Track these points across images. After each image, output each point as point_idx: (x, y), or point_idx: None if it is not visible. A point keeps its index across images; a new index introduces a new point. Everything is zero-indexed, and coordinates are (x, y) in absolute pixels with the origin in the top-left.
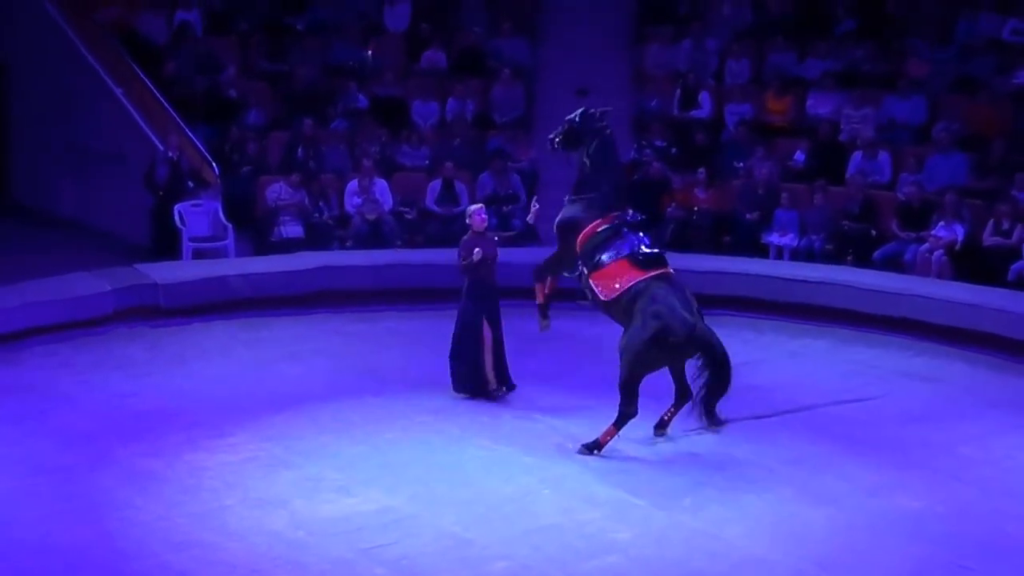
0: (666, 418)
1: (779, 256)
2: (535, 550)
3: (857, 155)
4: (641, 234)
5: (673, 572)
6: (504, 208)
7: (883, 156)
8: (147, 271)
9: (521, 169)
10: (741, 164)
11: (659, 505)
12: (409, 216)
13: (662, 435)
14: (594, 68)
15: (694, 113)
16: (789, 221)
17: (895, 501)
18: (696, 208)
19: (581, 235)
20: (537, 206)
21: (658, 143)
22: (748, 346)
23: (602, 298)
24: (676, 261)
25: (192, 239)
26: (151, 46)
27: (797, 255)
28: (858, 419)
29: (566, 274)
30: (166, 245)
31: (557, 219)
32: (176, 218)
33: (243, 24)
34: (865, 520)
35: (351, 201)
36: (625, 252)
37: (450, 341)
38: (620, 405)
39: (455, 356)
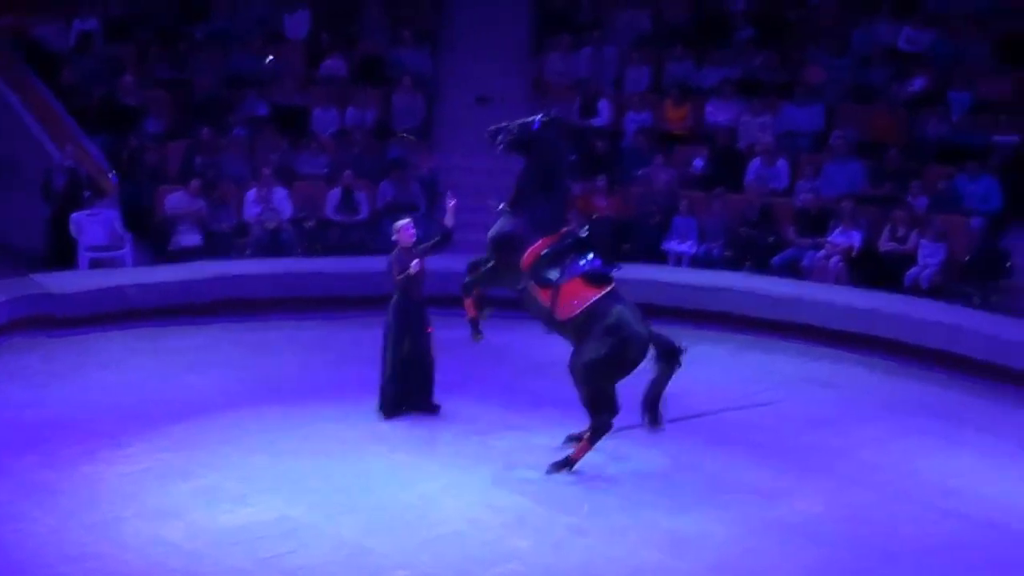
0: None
1: (678, 263)
2: (435, 558)
3: (755, 162)
4: (589, 252)
5: None
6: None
7: (781, 163)
8: (43, 281)
9: (421, 178)
10: (640, 172)
11: (559, 512)
12: (308, 225)
13: (571, 446)
14: (495, 77)
15: (594, 121)
16: (688, 228)
17: (794, 506)
18: (596, 215)
19: (529, 252)
20: (454, 200)
21: None
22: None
23: (559, 317)
24: None
25: (89, 248)
26: (48, 54)
27: (696, 262)
28: (757, 424)
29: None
30: (63, 255)
31: (494, 232)
32: (73, 227)
33: (142, 32)
34: (763, 525)
35: (250, 210)
36: (577, 270)
37: (381, 362)
38: (592, 422)
39: (395, 379)
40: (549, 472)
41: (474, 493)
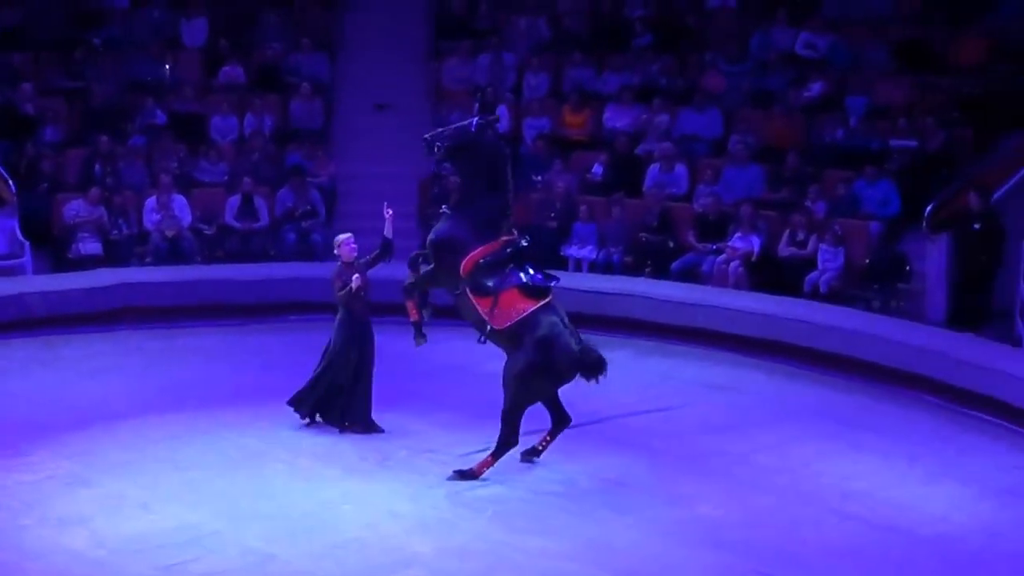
0: (540, 447)
1: (578, 268)
2: (338, 564)
3: (654, 168)
4: (527, 262)
5: None
6: (303, 224)
7: (680, 169)
8: None
9: (320, 184)
10: (539, 177)
11: (461, 518)
12: (208, 232)
13: (530, 461)
14: (393, 83)
15: None
16: (588, 233)
17: (695, 510)
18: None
19: (468, 259)
20: (391, 211)
21: None
22: None
23: (494, 326)
24: None
25: None
26: None
27: (596, 267)
28: (658, 429)
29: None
30: None
31: (435, 234)
32: None
33: (38, 40)
34: (665, 529)
35: (150, 217)
36: (515, 280)
37: (316, 373)
38: (501, 434)
39: (339, 391)
40: (451, 479)
41: (376, 499)
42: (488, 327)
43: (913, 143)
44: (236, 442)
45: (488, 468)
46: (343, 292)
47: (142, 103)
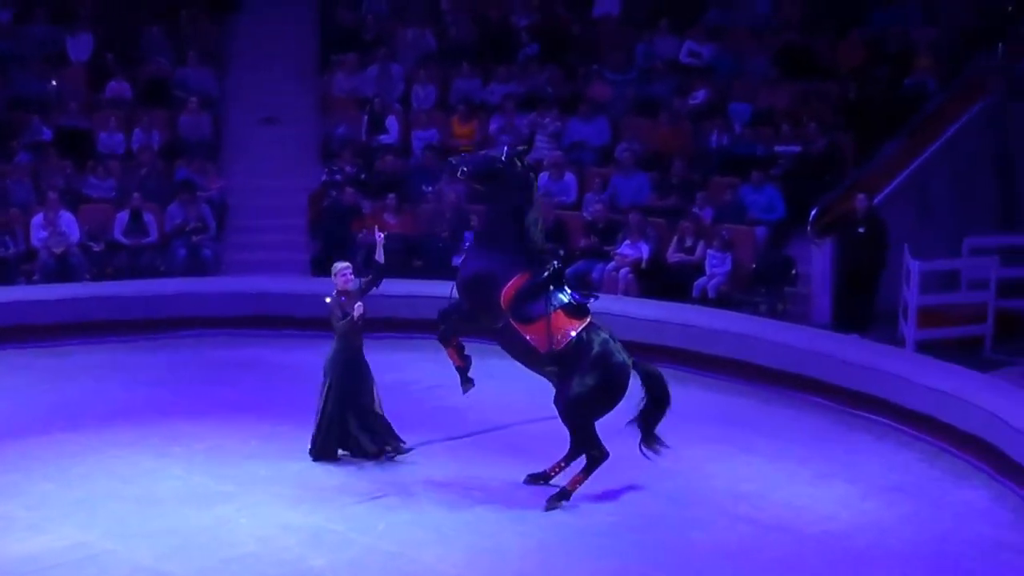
0: (552, 472)
1: None
2: None
3: (543, 176)
4: (564, 284)
5: None
6: (193, 239)
7: (568, 177)
8: None
9: (210, 199)
10: (429, 188)
11: (355, 530)
12: (96, 249)
13: (538, 484)
14: (281, 96)
15: (382, 138)
16: None
17: (589, 516)
18: (386, 233)
19: (506, 290)
20: (382, 235)
21: (347, 169)
22: (441, 369)
23: (541, 351)
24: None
25: None
26: None
27: None
28: (552, 436)
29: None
30: None
31: (467, 270)
32: None
33: None
34: (560, 536)
35: (37, 235)
36: (559, 302)
37: (321, 414)
38: (586, 453)
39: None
40: (548, 508)
41: (269, 513)
42: (538, 354)
43: (797, 148)
44: (128, 459)
45: (580, 485)
46: (345, 322)
47: (27, 120)
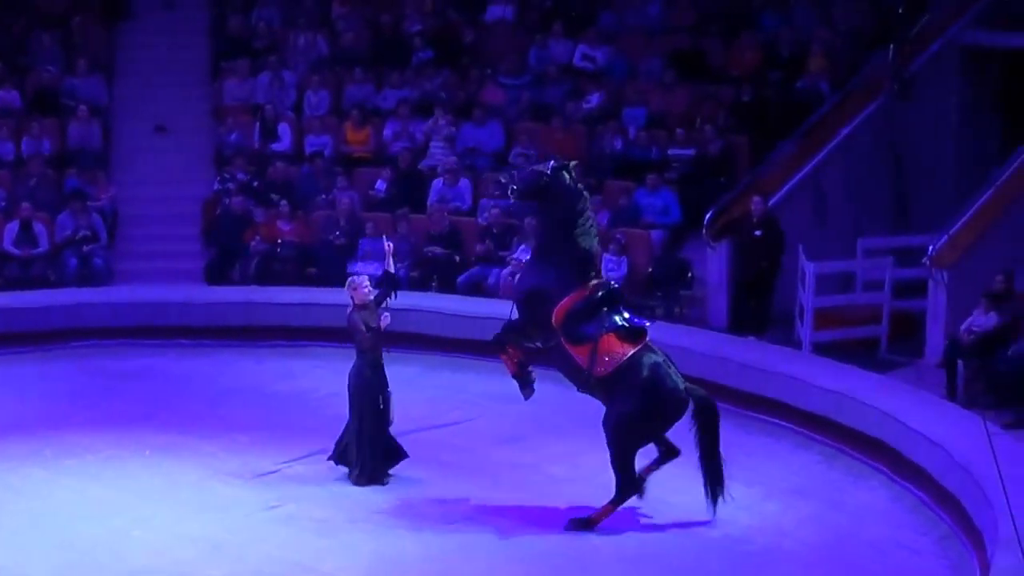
0: (643, 474)
1: None
2: None
3: (438, 182)
4: (619, 304)
5: None
6: (84, 248)
7: (463, 183)
8: None
9: (101, 208)
10: (323, 195)
11: (254, 540)
12: None
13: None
14: (173, 104)
15: (274, 146)
16: (374, 250)
17: (488, 522)
18: (280, 241)
19: (559, 308)
20: (390, 244)
21: (240, 176)
22: (338, 376)
23: (594, 374)
24: (262, 295)
25: None
26: None
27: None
28: (449, 443)
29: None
30: None
31: (522, 285)
32: None
33: None
34: (459, 543)
35: None
36: (612, 325)
37: (357, 434)
38: (617, 484)
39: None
40: (569, 528)
41: (166, 525)
42: (587, 376)
43: (691, 152)
44: (20, 472)
45: (607, 516)
46: (371, 333)
47: None
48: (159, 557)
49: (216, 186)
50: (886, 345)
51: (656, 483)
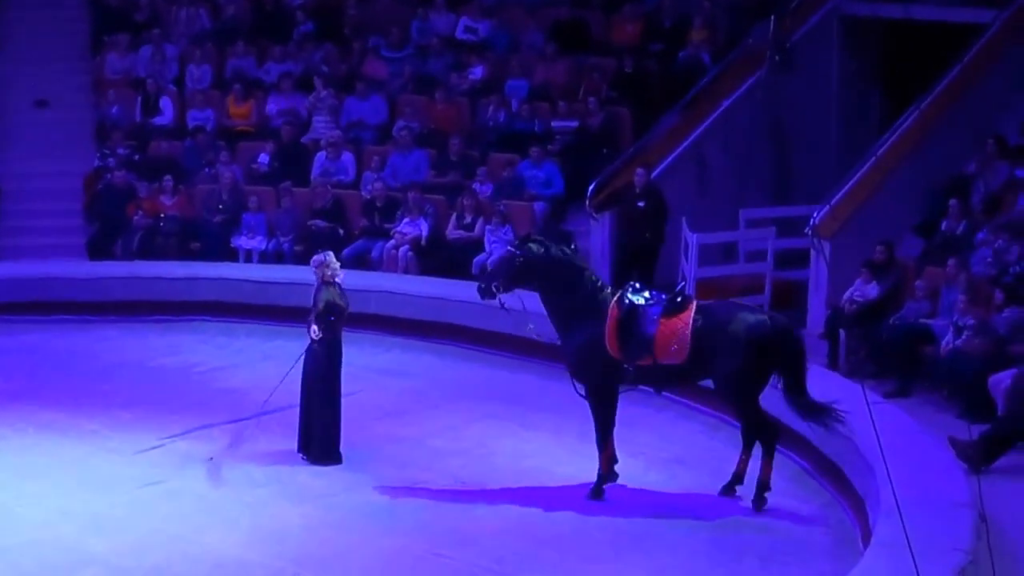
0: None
1: (248, 259)
2: (12, 567)
3: (321, 156)
4: (647, 293)
5: None
6: None
7: (346, 156)
8: None
9: None
10: (206, 169)
11: (137, 514)
12: None
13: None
14: (53, 79)
15: (156, 120)
16: (257, 224)
17: (370, 496)
18: (163, 215)
19: (608, 341)
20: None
21: (121, 151)
22: (223, 351)
23: (679, 361)
24: (145, 270)
25: None
26: None
27: (266, 257)
28: None
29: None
30: None
31: (574, 363)
32: None
33: None
34: (341, 516)
35: None
36: (656, 313)
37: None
38: (761, 438)
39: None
40: (721, 493)
41: (49, 501)
42: (680, 370)
43: (574, 123)
44: None
45: (771, 471)
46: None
47: None
48: (42, 531)
49: (97, 161)
50: None
51: (535, 454)
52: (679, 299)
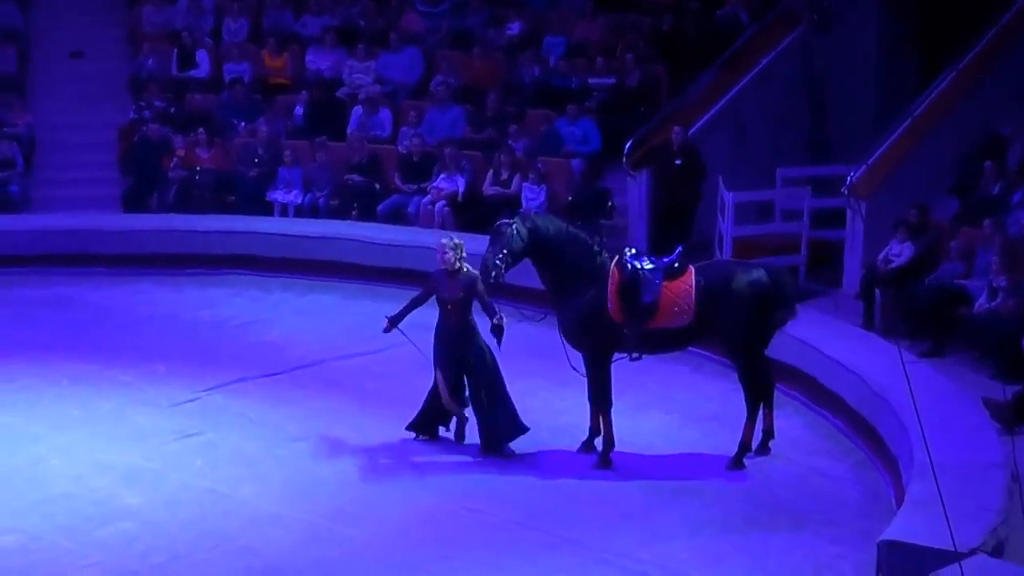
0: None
1: (284, 213)
2: (45, 520)
3: (357, 110)
4: (645, 258)
5: (187, 533)
6: (0, 175)
7: (383, 111)
8: None
9: (18, 135)
10: (242, 123)
11: (170, 468)
12: None
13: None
14: (89, 30)
15: (192, 73)
16: (293, 178)
17: (404, 452)
18: (199, 168)
19: (612, 309)
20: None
21: (157, 103)
22: (257, 305)
23: (686, 322)
24: (180, 223)
25: None
26: None
27: (302, 211)
28: (368, 371)
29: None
30: None
31: (569, 328)
32: None
33: None
34: (374, 472)
35: None
36: (659, 278)
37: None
38: (766, 391)
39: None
40: (730, 468)
41: (83, 453)
42: (690, 329)
43: (611, 80)
44: None
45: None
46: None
47: None
48: (76, 484)
49: (133, 114)
50: (804, 274)
51: (570, 411)
52: (681, 262)
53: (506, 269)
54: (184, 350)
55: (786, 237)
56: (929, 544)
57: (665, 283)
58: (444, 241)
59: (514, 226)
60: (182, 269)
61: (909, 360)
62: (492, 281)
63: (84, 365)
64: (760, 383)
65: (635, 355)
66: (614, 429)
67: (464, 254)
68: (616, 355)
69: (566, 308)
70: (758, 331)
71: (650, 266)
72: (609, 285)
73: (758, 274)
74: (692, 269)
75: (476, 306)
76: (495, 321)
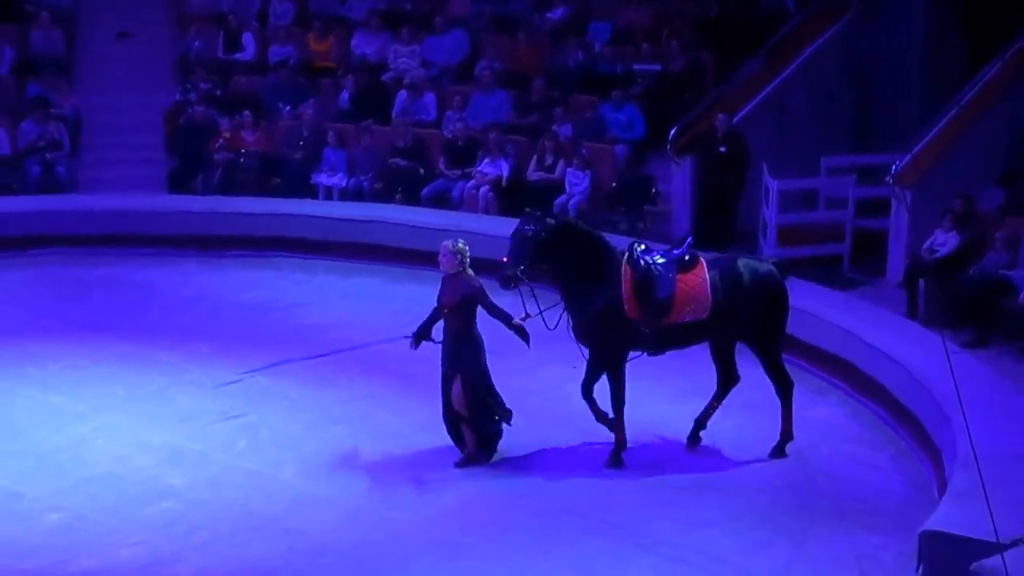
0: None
1: (328, 196)
2: (89, 499)
3: (402, 94)
4: (655, 253)
5: (230, 514)
6: (47, 156)
7: (428, 95)
8: None
9: (64, 116)
10: (287, 106)
11: (214, 449)
12: None
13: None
14: (136, 11)
15: (238, 55)
16: (337, 161)
17: (445, 437)
18: (244, 151)
19: (628, 306)
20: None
21: (203, 85)
22: (301, 287)
23: (702, 317)
24: (225, 205)
25: None
26: None
27: (346, 195)
28: (410, 355)
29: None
30: None
31: (586, 325)
32: None
33: None
34: (418, 456)
35: None
36: (671, 272)
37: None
38: (784, 386)
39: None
40: (773, 456)
41: (127, 433)
42: (706, 324)
43: (657, 67)
44: None
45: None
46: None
47: None
48: (120, 464)
49: (179, 95)
50: (848, 263)
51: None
52: (691, 256)
53: (524, 276)
54: (228, 332)
55: (830, 226)
56: (971, 535)
57: (679, 276)
58: (447, 244)
59: (534, 229)
60: (226, 251)
61: (952, 350)
62: (512, 287)
63: (129, 345)
64: (782, 376)
65: (652, 352)
66: (625, 425)
67: (468, 259)
68: (631, 353)
69: (583, 308)
70: (774, 324)
71: (661, 260)
72: (623, 284)
73: (768, 268)
74: (703, 261)
75: (482, 315)
76: (514, 323)
